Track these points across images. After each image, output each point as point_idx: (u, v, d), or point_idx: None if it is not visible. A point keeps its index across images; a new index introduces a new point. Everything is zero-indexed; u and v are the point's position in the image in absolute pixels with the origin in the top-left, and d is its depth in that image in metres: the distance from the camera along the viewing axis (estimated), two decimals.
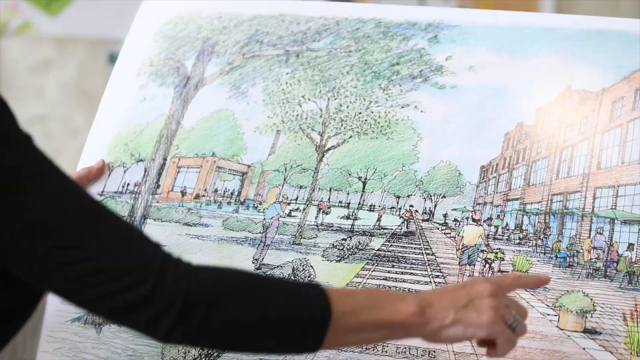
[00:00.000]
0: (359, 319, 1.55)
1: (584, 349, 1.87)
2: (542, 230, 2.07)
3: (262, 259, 2.15)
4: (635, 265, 1.94)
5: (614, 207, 2.01)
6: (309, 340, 1.53)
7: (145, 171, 2.35)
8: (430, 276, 2.08)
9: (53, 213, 1.40)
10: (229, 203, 2.32)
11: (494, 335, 1.65)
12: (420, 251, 2.15)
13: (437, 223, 2.18)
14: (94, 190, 2.34)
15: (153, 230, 2.25)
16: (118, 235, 1.46)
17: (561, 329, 1.92)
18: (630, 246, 1.96)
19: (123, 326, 1.51)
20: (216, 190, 2.35)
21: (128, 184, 2.35)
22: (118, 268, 1.42)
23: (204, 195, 2.35)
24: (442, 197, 2.17)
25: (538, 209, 2.10)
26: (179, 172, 2.36)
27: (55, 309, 2.21)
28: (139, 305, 1.42)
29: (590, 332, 1.90)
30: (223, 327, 1.48)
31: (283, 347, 1.58)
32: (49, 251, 1.40)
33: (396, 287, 2.06)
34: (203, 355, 2.06)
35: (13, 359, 3.13)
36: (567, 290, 1.95)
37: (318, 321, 1.51)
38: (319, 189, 2.25)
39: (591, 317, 1.91)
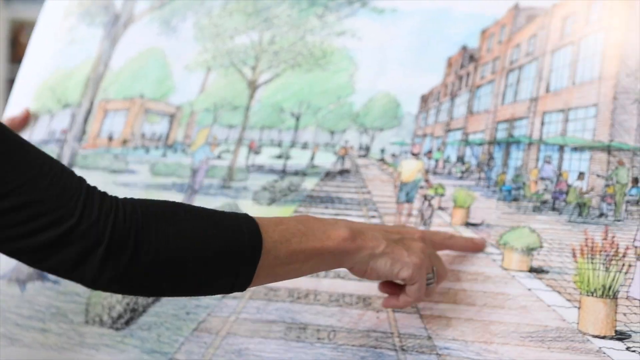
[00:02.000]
0: (291, 248, 1.46)
1: (529, 289, 1.71)
2: (485, 161, 1.90)
3: None
4: (586, 195, 1.77)
5: (563, 132, 1.83)
6: (241, 274, 1.42)
7: (72, 117, 2.21)
8: (366, 216, 1.92)
9: None
10: (156, 147, 2.17)
11: (414, 279, 1.59)
12: (356, 190, 1.99)
13: (374, 159, 2.01)
14: None
15: None
16: (38, 170, 1.29)
17: (505, 269, 1.76)
18: (581, 175, 1.79)
19: (45, 270, 1.36)
20: (143, 135, 2.21)
21: (54, 132, 2.21)
22: (40, 204, 1.27)
23: (131, 140, 2.20)
24: (380, 131, 2.01)
25: (482, 138, 1.93)
26: (106, 116, 2.22)
27: None
28: (61, 245, 1.28)
29: (536, 271, 1.74)
30: (152, 265, 1.35)
31: (214, 285, 1.44)
32: None
33: None
34: (128, 311, 1.93)
35: None
36: (512, 227, 1.79)
37: (250, 250, 1.41)
38: (250, 127, 2.10)
39: (538, 254, 1.75)
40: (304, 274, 1.59)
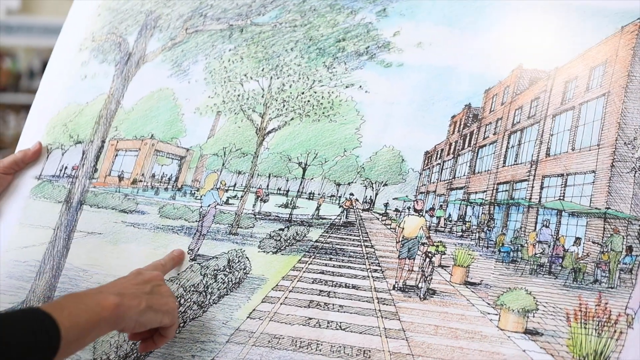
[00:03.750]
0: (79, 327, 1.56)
1: (524, 351, 1.76)
2: (485, 222, 1.96)
3: (198, 249, 2.06)
4: (582, 261, 1.83)
5: (561, 197, 1.89)
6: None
7: (83, 154, 2.25)
8: (369, 270, 1.98)
9: None
10: (166, 189, 2.22)
11: (173, 321, 1.81)
12: (359, 243, 2.05)
13: (378, 213, 2.07)
14: (32, 173, 2.26)
15: (88, 217, 2.16)
16: None
17: (501, 329, 1.81)
18: (577, 240, 1.85)
19: None
20: (153, 175, 2.26)
21: (66, 167, 2.26)
22: None
23: (141, 181, 2.25)
24: (384, 185, 2.06)
25: (483, 199, 1.99)
26: (116, 155, 2.26)
27: None
28: None
29: (531, 332, 1.79)
30: None
31: None
32: None
33: (333, 282, 1.96)
34: (135, 350, 1.98)
35: None
36: (509, 288, 1.84)
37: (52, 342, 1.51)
38: (258, 175, 2.14)
39: (533, 316, 1.80)
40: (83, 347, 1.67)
